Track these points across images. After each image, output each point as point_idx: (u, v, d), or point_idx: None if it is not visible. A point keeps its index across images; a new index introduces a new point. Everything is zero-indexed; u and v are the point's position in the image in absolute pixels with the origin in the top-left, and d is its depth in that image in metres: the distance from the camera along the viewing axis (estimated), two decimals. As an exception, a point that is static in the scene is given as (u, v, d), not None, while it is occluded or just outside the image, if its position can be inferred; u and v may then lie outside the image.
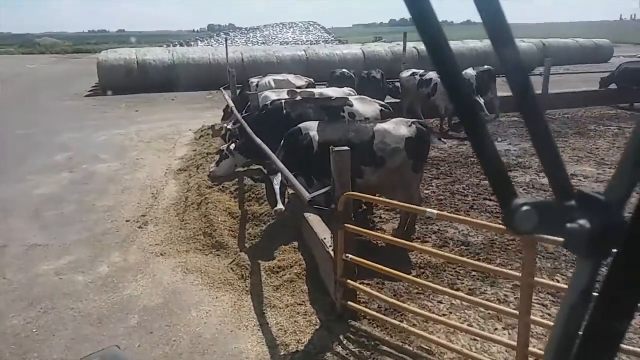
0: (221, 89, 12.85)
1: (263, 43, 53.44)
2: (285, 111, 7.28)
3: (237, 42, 55.73)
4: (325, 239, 4.96)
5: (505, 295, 4.80)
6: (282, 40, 57.76)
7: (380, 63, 25.13)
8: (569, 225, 0.59)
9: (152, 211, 7.26)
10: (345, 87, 11.03)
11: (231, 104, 10.48)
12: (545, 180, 5.59)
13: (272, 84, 10.55)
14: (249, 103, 9.17)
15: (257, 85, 10.91)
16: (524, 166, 9.23)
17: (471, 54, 26.82)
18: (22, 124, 14.40)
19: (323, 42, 57.41)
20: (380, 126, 5.72)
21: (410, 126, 5.68)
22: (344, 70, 12.85)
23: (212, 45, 45.87)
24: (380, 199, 4.72)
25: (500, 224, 2.26)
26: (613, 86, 16.72)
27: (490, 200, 7.51)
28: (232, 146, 7.19)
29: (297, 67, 23.91)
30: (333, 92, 8.93)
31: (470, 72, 13.26)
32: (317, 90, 8.92)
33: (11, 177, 9.16)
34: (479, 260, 5.50)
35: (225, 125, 9.09)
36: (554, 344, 0.64)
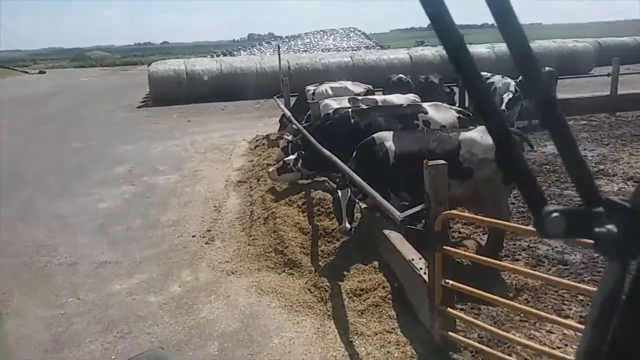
0: (275, 97, 12.65)
1: (304, 51, 53.59)
2: (352, 120, 6.93)
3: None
4: (412, 259, 4.55)
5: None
6: (323, 47, 57.81)
7: (429, 67, 24.49)
8: (597, 229, 0.64)
9: (217, 225, 7.04)
10: (403, 92, 10.62)
11: (287, 113, 10.23)
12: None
13: (329, 91, 10.23)
14: (308, 112, 8.87)
15: (314, 93, 10.61)
16: (607, 173, 8.52)
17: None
18: (79, 136, 14.65)
19: (364, 47, 57.01)
20: (466, 135, 5.27)
21: (499, 135, 5.19)
22: (401, 75, 12.39)
23: (254, 54, 46.39)
24: (484, 218, 4.27)
25: None
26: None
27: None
28: (295, 158, 6.91)
29: (344, 73, 23.52)
30: (397, 98, 8.52)
31: (507, 80, 12.00)
32: (379, 97, 8.54)
33: (73, 191, 9.19)
34: (582, 281, 4.96)
35: (285, 135, 8.81)
36: (585, 345, 0.69)
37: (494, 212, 5.42)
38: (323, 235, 6.00)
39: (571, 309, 4.53)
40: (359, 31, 71.77)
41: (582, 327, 3.73)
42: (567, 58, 27.58)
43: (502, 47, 27.67)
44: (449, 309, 3.93)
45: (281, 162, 8.25)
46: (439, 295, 3.95)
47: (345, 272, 5.25)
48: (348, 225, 5.26)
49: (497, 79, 11.81)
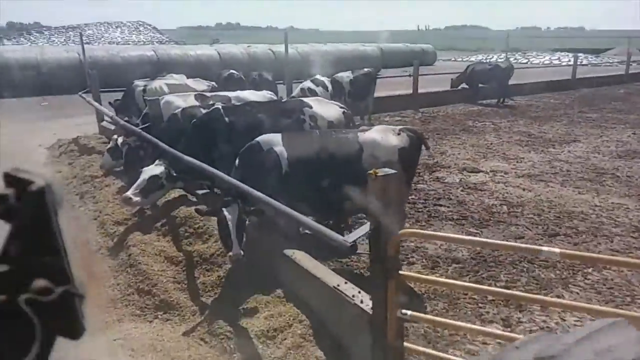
0: (80, 94, 10.42)
1: (87, 43, 47.85)
2: (226, 119, 5.80)
3: (54, 41, 49.13)
4: (338, 285, 3.81)
5: (544, 321, 4.21)
6: (109, 40, 52.56)
7: (239, 64, 23.88)
8: None
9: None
10: (235, 89, 9.77)
11: (108, 113, 8.42)
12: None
13: (165, 88, 8.74)
14: (145, 111, 7.34)
15: (145, 91, 8.94)
16: (443, 165, 9.08)
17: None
18: None
19: (157, 42, 53.76)
20: (367, 136, 4.71)
21: (399, 134, 4.79)
22: (232, 71, 11.42)
23: (22, 44, 39.84)
24: (447, 235, 3.74)
25: None
26: (463, 85, 18.09)
27: (441, 205, 7.04)
28: (162, 170, 5.50)
29: (146, 67, 21.43)
30: (252, 95, 7.60)
31: (343, 75, 12.52)
32: (231, 94, 7.50)
33: None
34: (483, 280, 4.88)
35: (117, 138, 7.12)
36: None
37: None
38: (200, 264, 4.80)
39: (489, 312, 4.35)
40: (149, 25, 66.90)
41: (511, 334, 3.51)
42: (358, 60, 29.90)
43: (306, 48, 28.60)
44: (405, 343, 3.31)
45: (113, 144, 6.69)
46: (392, 329, 3.29)
47: (243, 309, 4.22)
48: (240, 251, 4.24)
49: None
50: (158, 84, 9.15)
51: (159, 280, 4.53)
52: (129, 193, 5.30)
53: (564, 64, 40.61)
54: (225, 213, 4.33)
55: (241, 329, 3.95)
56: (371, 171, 3.13)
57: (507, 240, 5.92)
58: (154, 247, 4.99)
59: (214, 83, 9.53)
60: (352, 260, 5.23)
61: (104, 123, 10.42)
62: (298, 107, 6.01)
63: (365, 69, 13.59)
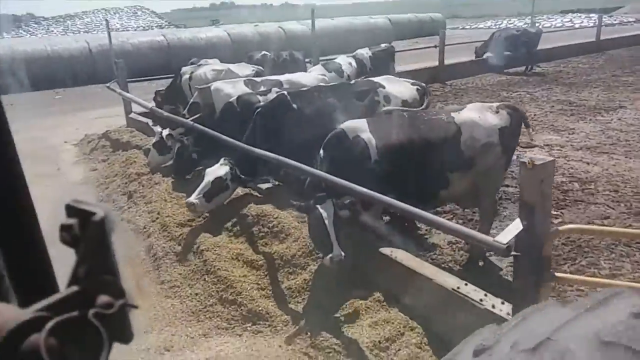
0: (109, 86, 9.95)
1: (86, 32, 47.22)
2: (294, 105, 5.35)
3: (53, 32, 48.50)
4: (458, 288, 3.44)
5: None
6: (110, 28, 51.80)
7: (248, 44, 23.26)
8: None
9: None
10: (268, 71, 9.29)
11: (142, 103, 7.98)
12: None
13: (209, 75, 8.27)
14: (192, 100, 6.88)
15: (191, 78, 8.47)
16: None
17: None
18: None
19: (156, 27, 53.03)
20: (464, 116, 4.27)
21: (497, 112, 4.34)
22: (265, 52, 10.88)
23: (22, 36, 39.32)
24: (617, 229, 3.34)
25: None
26: (487, 54, 17.42)
27: (507, 185, 6.61)
28: (227, 171, 5.09)
29: (158, 54, 20.90)
30: (303, 77, 7.14)
31: (363, 52, 11.79)
32: (282, 78, 7.03)
33: None
34: (584, 268, 4.50)
35: (162, 131, 6.69)
36: None
37: (491, 206, 4.63)
38: (282, 266, 4.43)
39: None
40: (147, 9, 65.76)
41: None
42: (369, 33, 29.12)
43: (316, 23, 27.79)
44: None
45: (158, 137, 6.31)
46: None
47: (342, 316, 3.86)
48: (341, 252, 3.84)
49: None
50: (203, 70, 8.64)
51: (243, 287, 4.17)
52: (192, 198, 4.90)
53: (577, 25, 39.57)
54: (321, 210, 3.93)
55: (348, 340, 3.59)
56: (526, 160, 2.72)
57: (592, 221, 5.54)
58: (229, 250, 4.61)
59: (260, 67, 9.00)
60: (438, 254, 4.86)
61: (132, 115, 9.98)
62: (371, 88, 5.56)
63: (383, 45, 12.98)
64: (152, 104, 7.85)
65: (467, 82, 15.58)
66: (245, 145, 4.90)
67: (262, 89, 6.69)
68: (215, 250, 4.60)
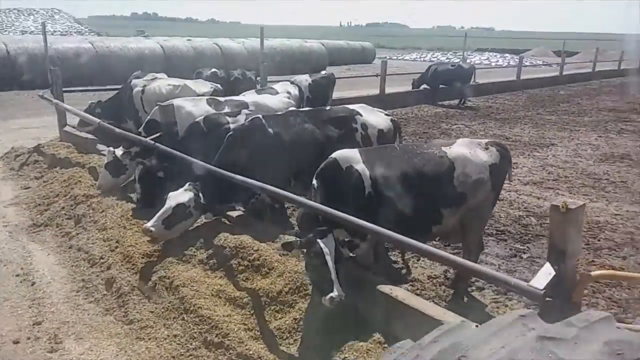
0: (41, 94, 9.02)
1: (-3, 31, 43.85)
2: (270, 130, 5.08)
3: (-42, 28, 44.42)
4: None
5: None
6: (21, 29, 48.28)
7: (182, 59, 22.62)
8: None
9: (49, 313, 4.27)
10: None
11: (87, 117, 7.31)
12: None
13: (164, 90, 7.72)
14: (149, 118, 6.37)
15: (143, 92, 7.86)
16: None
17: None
18: None
19: (76, 33, 50.38)
20: (456, 151, 4.26)
21: (487, 149, 4.39)
22: (215, 69, 10.44)
23: None
24: None
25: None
26: (424, 86, 18.18)
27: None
28: (190, 197, 4.69)
29: (84, 62, 19.61)
30: (269, 99, 6.87)
31: (303, 79, 11.17)
32: (247, 99, 6.72)
33: None
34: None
35: (114, 151, 6.09)
36: None
37: (477, 242, 4.64)
38: (268, 304, 4.11)
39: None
40: (65, 13, 61.95)
41: None
42: (306, 57, 29.41)
43: (252, 42, 27.66)
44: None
45: (111, 157, 5.82)
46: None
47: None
48: (341, 292, 3.62)
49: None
50: (157, 84, 8.09)
51: (229, 328, 3.80)
52: (150, 224, 4.48)
53: (493, 64, 42.62)
54: (321, 246, 3.68)
55: (353, 388, 3.36)
56: (559, 203, 2.70)
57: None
58: (207, 286, 4.21)
59: (218, 85, 8.58)
60: (420, 289, 4.79)
61: (67, 128, 9.14)
62: (349, 115, 5.44)
63: (323, 72, 12.95)
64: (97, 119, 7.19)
65: (407, 112, 16.09)
66: (224, 172, 4.59)
67: (226, 109, 6.38)
68: (192, 286, 4.19)
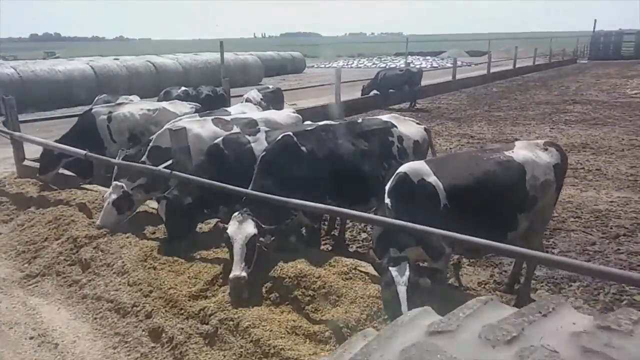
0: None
1: None
2: (303, 148, 4.75)
3: None
4: None
5: None
6: None
7: (116, 79, 21.42)
8: None
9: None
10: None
11: (77, 152, 6.55)
12: None
13: (137, 116, 7.05)
14: (153, 145, 5.77)
15: (110, 119, 7.15)
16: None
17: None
18: None
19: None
20: (522, 154, 4.17)
21: (546, 149, 4.34)
22: (184, 88, 9.80)
23: None
24: None
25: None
26: (374, 92, 18.43)
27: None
28: (253, 225, 4.23)
29: (8, 88, 17.93)
30: (275, 115, 6.49)
31: (253, 94, 11.26)
32: (255, 116, 6.29)
33: None
34: None
35: (121, 185, 5.45)
36: None
37: (539, 247, 4.56)
38: (351, 335, 3.78)
39: None
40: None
41: None
42: (242, 69, 28.92)
43: (186, 58, 26.74)
44: None
45: (119, 192, 5.26)
46: None
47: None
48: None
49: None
50: (128, 110, 7.39)
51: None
52: (239, 272, 4.03)
53: (418, 66, 44.21)
54: (394, 274, 3.39)
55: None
56: None
57: (585, 248, 5.86)
58: (279, 323, 3.78)
59: (196, 104, 8.00)
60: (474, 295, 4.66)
61: (27, 162, 8.18)
62: (385, 128, 5.23)
63: (271, 87, 13.07)
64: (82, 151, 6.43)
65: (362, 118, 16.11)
66: (279, 197, 4.22)
67: (235, 128, 5.96)
68: (264, 326, 3.76)
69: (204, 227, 5.52)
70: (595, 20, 50.91)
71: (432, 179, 3.91)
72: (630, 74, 29.31)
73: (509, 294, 4.76)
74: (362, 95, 18.28)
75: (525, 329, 1.37)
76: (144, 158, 5.69)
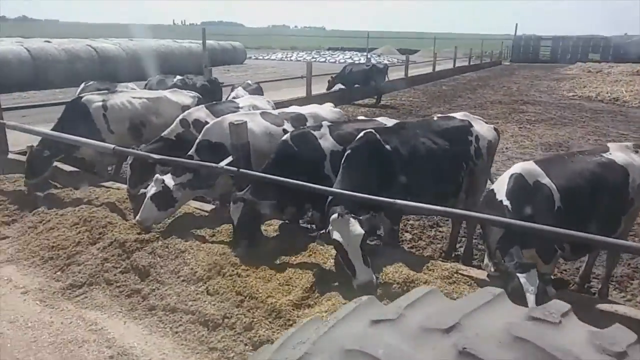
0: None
1: None
2: (388, 146, 4.55)
3: None
4: None
5: None
6: None
7: (54, 63, 19.78)
8: None
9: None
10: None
11: (107, 146, 5.88)
12: None
13: (137, 104, 6.48)
14: (202, 139, 5.29)
15: (105, 108, 6.53)
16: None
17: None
18: None
19: None
20: (623, 158, 4.28)
21: (637, 152, 4.48)
22: (179, 76, 9.09)
23: None
24: None
25: None
26: (339, 86, 18.41)
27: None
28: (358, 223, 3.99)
29: None
30: (321, 110, 6.21)
31: (240, 92, 10.95)
32: (304, 111, 5.98)
33: None
34: None
35: (162, 179, 4.96)
36: None
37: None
38: None
39: None
40: None
41: None
42: (185, 57, 27.81)
43: (129, 44, 25.19)
44: None
45: (160, 187, 4.84)
46: None
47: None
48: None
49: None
50: (125, 98, 6.75)
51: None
52: (370, 277, 3.96)
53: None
54: (522, 281, 3.34)
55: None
56: None
57: None
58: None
59: (197, 94, 7.45)
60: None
61: (11, 156, 7.26)
62: (464, 127, 5.15)
63: (250, 81, 12.45)
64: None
65: (335, 112, 16.00)
66: (384, 199, 4.04)
67: (286, 123, 5.66)
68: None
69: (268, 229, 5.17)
70: (517, 25, 54.35)
71: (547, 180, 3.92)
72: (557, 77, 31.53)
73: (583, 292, 4.91)
74: (327, 89, 18.16)
75: (462, 319, 1.42)
76: (191, 152, 5.24)
